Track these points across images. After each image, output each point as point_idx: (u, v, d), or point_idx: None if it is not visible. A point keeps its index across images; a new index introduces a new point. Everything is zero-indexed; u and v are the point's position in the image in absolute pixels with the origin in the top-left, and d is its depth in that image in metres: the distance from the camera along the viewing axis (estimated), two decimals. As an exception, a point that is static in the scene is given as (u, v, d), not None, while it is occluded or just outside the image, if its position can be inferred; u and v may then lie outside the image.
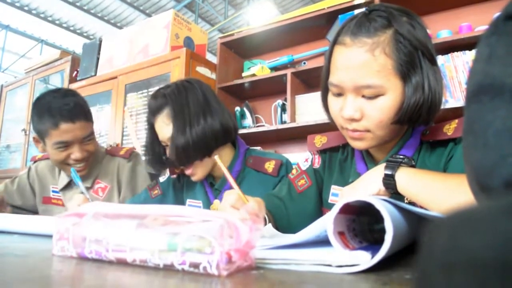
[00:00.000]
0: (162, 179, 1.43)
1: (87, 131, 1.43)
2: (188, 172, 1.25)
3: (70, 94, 1.45)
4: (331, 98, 0.88)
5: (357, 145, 0.87)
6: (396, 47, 0.78)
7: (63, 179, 1.55)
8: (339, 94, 0.85)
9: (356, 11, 2.23)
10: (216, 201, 1.26)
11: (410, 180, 0.71)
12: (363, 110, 0.81)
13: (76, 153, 1.41)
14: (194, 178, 1.26)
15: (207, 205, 1.30)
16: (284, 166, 1.27)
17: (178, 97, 1.22)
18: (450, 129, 0.83)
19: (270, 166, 1.26)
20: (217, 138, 1.22)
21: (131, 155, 1.61)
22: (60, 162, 1.42)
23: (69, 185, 1.56)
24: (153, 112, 1.25)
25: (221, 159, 1.26)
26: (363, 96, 0.81)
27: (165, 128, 1.22)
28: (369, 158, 0.95)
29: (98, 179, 1.56)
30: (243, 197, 0.83)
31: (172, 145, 1.18)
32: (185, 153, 1.18)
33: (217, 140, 1.23)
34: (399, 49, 0.78)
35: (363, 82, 0.79)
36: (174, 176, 1.42)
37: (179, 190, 1.41)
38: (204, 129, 1.19)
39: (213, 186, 1.31)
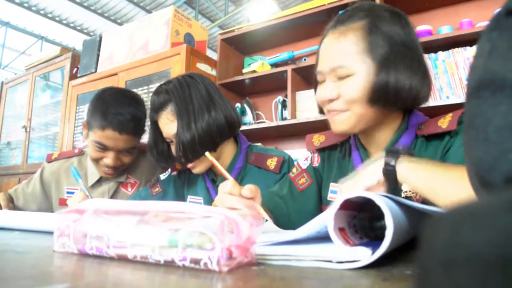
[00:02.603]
0: (163, 176, 1.43)
1: (129, 144, 1.41)
2: (189, 165, 1.25)
3: (132, 105, 1.41)
4: (318, 88, 0.94)
5: (338, 128, 0.90)
6: (368, 32, 0.85)
7: (94, 175, 1.53)
8: (322, 82, 0.92)
9: (357, 7, 2.23)
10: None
11: (411, 171, 0.71)
12: (339, 90, 0.87)
13: (109, 159, 1.40)
14: (195, 171, 1.26)
15: (208, 201, 1.30)
16: (286, 163, 1.27)
17: (181, 93, 1.20)
18: (445, 122, 0.84)
19: (272, 163, 1.26)
20: (222, 132, 1.21)
21: None
22: (93, 159, 1.43)
23: (99, 182, 1.54)
24: (156, 109, 1.24)
25: (224, 156, 1.29)
26: (339, 78, 0.87)
27: (169, 125, 1.21)
28: (365, 154, 0.96)
29: (128, 175, 1.56)
30: (238, 184, 0.84)
31: (178, 141, 1.17)
32: (191, 149, 1.17)
33: (222, 134, 1.22)
34: (371, 34, 0.85)
35: (335, 63, 0.87)
36: (175, 173, 1.42)
37: (180, 187, 1.42)
38: (209, 124, 1.18)
39: (215, 183, 1.31)
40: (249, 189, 0.82)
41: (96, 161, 1.44)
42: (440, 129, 0.84)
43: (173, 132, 1.20)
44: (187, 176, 1.41)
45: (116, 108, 1.36)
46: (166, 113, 1.21)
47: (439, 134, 0.85)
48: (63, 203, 1.57)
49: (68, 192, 1.58)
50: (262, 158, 1.28)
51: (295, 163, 1.15)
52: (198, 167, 1.25)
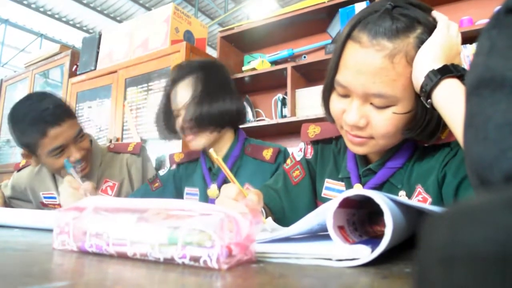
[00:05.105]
0: (162, 172, 1.45)
1: (76, 128, 1.35)
2: (188, 137, 1.27)
3: (45, 97, 1.36)
4: (334, 97, 0.81)
5: (355, 149, 0.82)
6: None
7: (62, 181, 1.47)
8: (345, 96, 0.78)
9: (357, 5, 2.22)
10: (213, 186, 1.28)
11: (451, 93, 0.66)
12: (369, 118, 0.75)
13: (74, 154, 1.33)
14: (192, 144, 1.28)
15: (203, 188, 1.32)
16: (282, 153, 1.29)
17: (203, 70, 1.27)
18: (445, 133, 0.79)
19: (267, 153, 1.28)
20: (230, 118, 1.27)
21: (141, 149, 1.58)
22: (61, 168, 1.34)
23: None
24: (174, 80, 1.29)
25: (222, 142, 1.32)
26: (371, 103, 0.75)
27: (184, 93, 1.25)
28: (361, 159, 0.91)
29: (105, 178, 1.51)
30: (243, 191, 0.82)
31: (189, 110, 1.22)
32: (198, 120, 1.21)
33: (229, 121, 1.28)
34: None
35: (375, 90, 0.72)
36: (174, 166, 1.44)
37: (179, 181, 1.43)
38: (221, 106, 1.24)
39: (211, 171, 1.33)
40: (252, 201, 0.79)
41: (65, 168, 1.34)
42: (440, 140, 0.79)
43: (185, 101, 1.23)
44: (185, 169, 1.43)
45: (36, 108, 1.29)
46: (184, 83, 1.26)
47: (439, 145, 0.80)
48: (44, 206, 1.55)
49: (45, 197, 1.54)
50: (258, 149, 1.31)
51: (290, 154, 1.13)
52: (196, 141, 1.27)
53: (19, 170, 1.62)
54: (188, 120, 1.22)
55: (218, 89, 1.25)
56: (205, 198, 1.31)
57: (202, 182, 1.34)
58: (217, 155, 1.29)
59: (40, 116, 1.28)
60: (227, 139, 1.33)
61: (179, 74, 1.28)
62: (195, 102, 1.21)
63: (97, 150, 1.52)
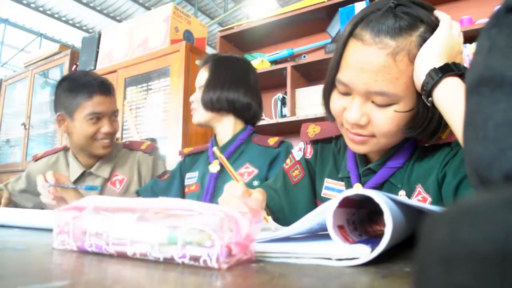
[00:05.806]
0: (170, 168, 1.55)
1: (115, 106, 1.53)
2: (192, 111, 1.42)
3: (95, 74, 1.55)
4: (336, 95, 0.81)
5: (356, 148, 0.82)
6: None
7: (76, 171, 1.53)
8: (346, 94, 0.78)
9: (357, 4, 2.22)
10: (215, 161, 1.37)
11: (452, 91, 0.66)
12: (371, 116, 0.75)
13: (106, 126, 1.46)
14: (194, 117, 1.42)
15: (204, 170, 1.40)
16: (286, 143, 1.38)
17: (222, 61, 1.42)
18: (445, 133, 0.79)
19: (272, 141, 1.38)
20: (235, 106, 1.36)
21: (153, 149, 1.67)
22: (90, 137, 1.45)
23: (83, 176, 1.54)
24: (199, 65, 1.46)
25: (222, 127, 1.40)
26: (372, 101, 0.75)
27: (202, 73, 1.41)
28: (361, 158, 0.90)
29: (116, 172, 1.58)
30: (248, 190, 0.82)
31: (204, 93, 1.36)
32: (208, 98, 1.36)
33: (236, 110, 1.38)
34: None
35: (377, 88, 0.72)
36: (181, 157, 1.54)
37: (184, 171, 1.51)
38: (230, 97, 1.35)
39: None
40: (256, 200, 0.79)
41: (93, 138, 1.46)
42: (440, 140, 0.79)
43: (198, 81, 1.40)
44: (191, 159, 1.52)
45: (89, 77, 1.48)
46: (205, 66, 1.42)
47: (439, 145, 0.80)
48: None
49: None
50: (264, 138, 1.40)
51: (290, 153, 1.13)
52: (194, 115, 1.40)
53: (36, 160, 1.69)
54: (193, 98, 1.40)
55: (233, 80, 1.37)
56: (202, 177, 1.40)
57: (204, 165, 1.42)
58: (223, 137, 1.41)
59: (91, 82, 1.46)
60: (236, 125, 1.40)
61: (202, 60, 1.45)
62: (205, 85, 1.36)
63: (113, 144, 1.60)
